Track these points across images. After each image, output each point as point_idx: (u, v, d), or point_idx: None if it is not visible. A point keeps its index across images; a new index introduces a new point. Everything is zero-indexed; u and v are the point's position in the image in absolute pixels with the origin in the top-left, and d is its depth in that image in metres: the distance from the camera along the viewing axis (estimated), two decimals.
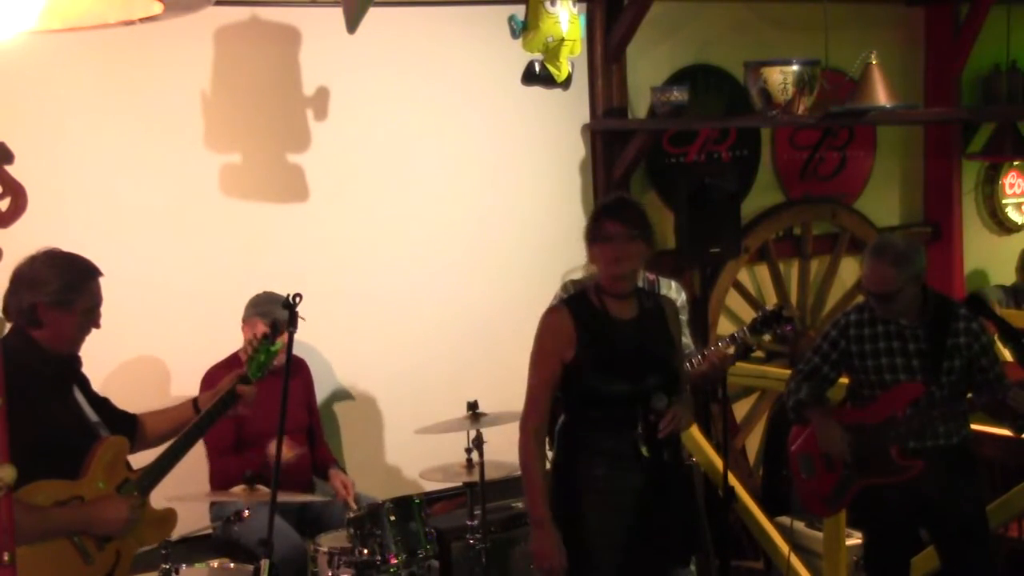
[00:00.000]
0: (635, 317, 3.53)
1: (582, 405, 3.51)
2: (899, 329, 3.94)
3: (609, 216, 3.49)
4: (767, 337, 5.24)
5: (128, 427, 3.57)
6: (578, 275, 5.03)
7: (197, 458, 4.55)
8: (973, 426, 4.07)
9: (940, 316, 3.93)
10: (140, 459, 3.55)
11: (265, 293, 4.67)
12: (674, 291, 4.55)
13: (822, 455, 4.09)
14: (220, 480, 4.56)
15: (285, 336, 3.51)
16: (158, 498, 3.62)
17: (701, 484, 5.03)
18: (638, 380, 3.42)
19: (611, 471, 3.42)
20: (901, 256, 3.86)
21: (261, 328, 4.16)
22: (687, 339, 4.45)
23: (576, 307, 3.53)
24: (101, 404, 3.56)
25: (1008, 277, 6.87)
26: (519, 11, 4.05)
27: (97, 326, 3.44)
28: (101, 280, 3.45)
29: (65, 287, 3.33)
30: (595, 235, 3.50)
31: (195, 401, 3.70)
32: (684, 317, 4.47)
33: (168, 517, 3.56)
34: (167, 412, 3.72)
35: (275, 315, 4.55)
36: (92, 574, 3.28)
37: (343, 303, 5.18)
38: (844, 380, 4.20)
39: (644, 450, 3.40)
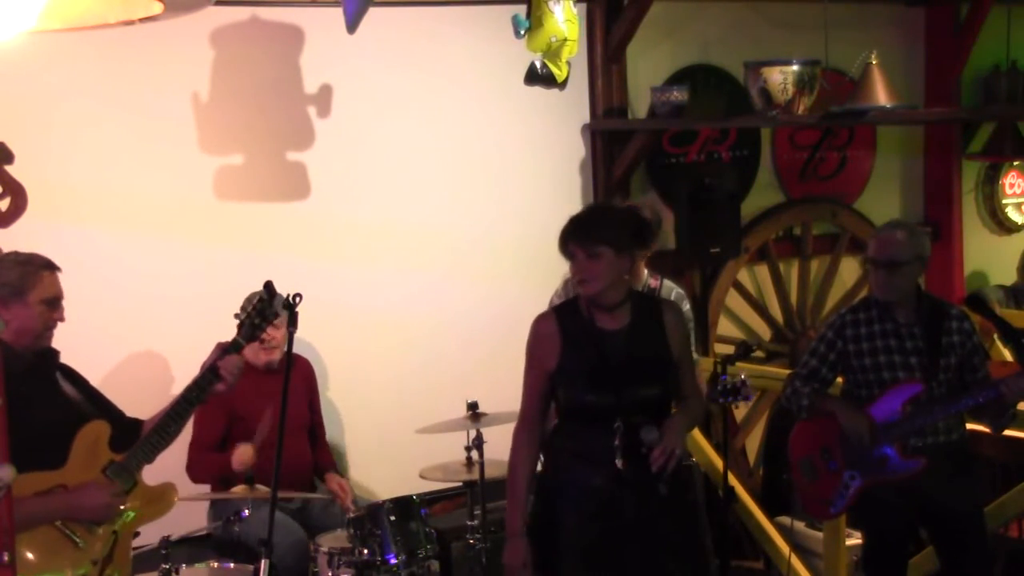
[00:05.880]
0: (626, 327, 3.41)
1: (567, 413, 3.47)
2: (896, 328, 3.96)
3: (569, 235, 3.37)
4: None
5: (133, 432, 3.61)
6: None
7: None
8: (972, 426, 4.08)
9: (934, 315, 3.97)
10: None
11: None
12: (673, 299, 4.40)
13: (824, 457, 4.09)
14: (194, 473, 4.54)
15: (281, 334, 3.46)
16: None
17: (701, 484, 5.02)
18: (621, 392, 3.32)
19: (587, 478, 3.35)
20: (912, 230, 4.01)
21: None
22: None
23: (563, 315, 3.46)
24: (106, 407, 3.62)
25: (1008, 277, 6.87)
26: (520, 10, 4.05)
27: (61, 319, 3.52)
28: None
29: (18, 278, 3.44)
30: (562, 253, 3.42)
31: None
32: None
33: (166, 492, 3.58)
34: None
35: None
36: (85, 557, 3.33)
37: (343, 302, 5.18)
38: (838, 380, 4.20)
39: (619, 462, 3.28)
